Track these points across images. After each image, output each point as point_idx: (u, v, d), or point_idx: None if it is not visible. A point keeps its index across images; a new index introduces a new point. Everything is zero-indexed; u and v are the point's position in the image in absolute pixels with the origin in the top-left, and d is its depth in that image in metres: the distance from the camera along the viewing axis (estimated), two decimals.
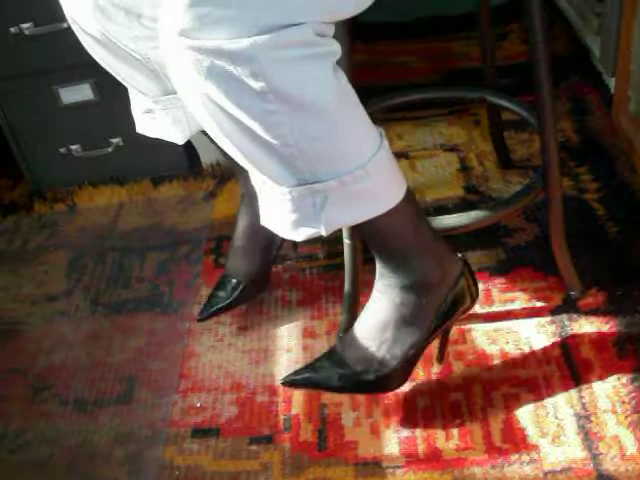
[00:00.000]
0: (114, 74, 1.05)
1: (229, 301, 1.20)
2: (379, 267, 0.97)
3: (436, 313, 0.98)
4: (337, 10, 0.77)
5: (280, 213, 0.86)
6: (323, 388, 1.02)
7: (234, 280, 1.21)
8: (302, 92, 0.74)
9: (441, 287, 0.98)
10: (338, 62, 0.78)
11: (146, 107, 1.08)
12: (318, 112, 0.76)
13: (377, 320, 0.98)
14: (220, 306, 1.20)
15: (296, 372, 1.03)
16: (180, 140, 1.10)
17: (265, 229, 1.01)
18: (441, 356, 1.10)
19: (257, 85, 0.72)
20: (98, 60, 1.03)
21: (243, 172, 1.18)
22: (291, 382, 1.02)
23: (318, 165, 0.80)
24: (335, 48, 0.76)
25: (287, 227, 0.86)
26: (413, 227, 0.93)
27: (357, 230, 0.92)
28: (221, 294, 1.21)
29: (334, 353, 1.01)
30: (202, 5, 0.70)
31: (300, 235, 0.86)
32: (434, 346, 1.07)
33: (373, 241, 0.94)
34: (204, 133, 1.15)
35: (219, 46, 0.70)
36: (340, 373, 0.99)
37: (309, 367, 1.03)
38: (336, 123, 0.78)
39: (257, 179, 0.86)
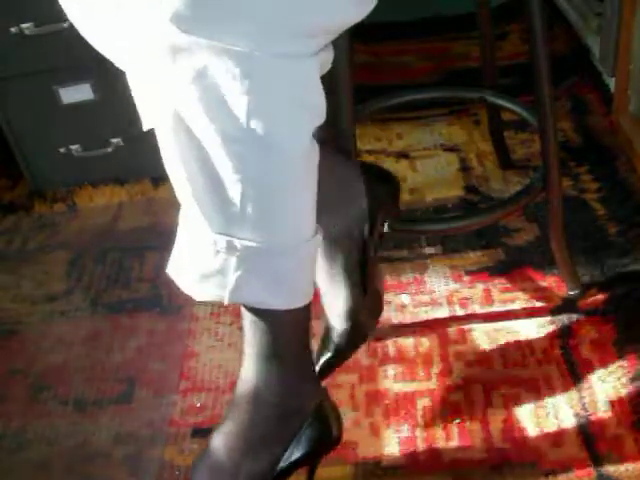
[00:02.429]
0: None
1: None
2: (244, 372, 0.85)
3: (286, 445, 0.86)
4: (341, 23, 0.73)
5: (192, 260, 0.80)
6: None
7: None
8: (276, 131, 0.70)
9: (297, 413, 0.87)
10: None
11: None
12: (282, 158, 0.72)
13: (225, 440, 0.86)
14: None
15: None
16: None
17: None
18: None
19: (240, 101, 0.67)
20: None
21: None
22: None
23: (255, 220, 0.74)
24: (321, 102, 0.72)
25: (193, 278, 0.80)
26: (301, 339, 0.85)
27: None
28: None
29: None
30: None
31: (201, 292, 0.80)
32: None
33: (256, 335, 0.83)
34: None
35: (217, 44, 0.65)
36: None
37: None
38: (293, 182, 0.74)
39: (185, 218, 0.81)
